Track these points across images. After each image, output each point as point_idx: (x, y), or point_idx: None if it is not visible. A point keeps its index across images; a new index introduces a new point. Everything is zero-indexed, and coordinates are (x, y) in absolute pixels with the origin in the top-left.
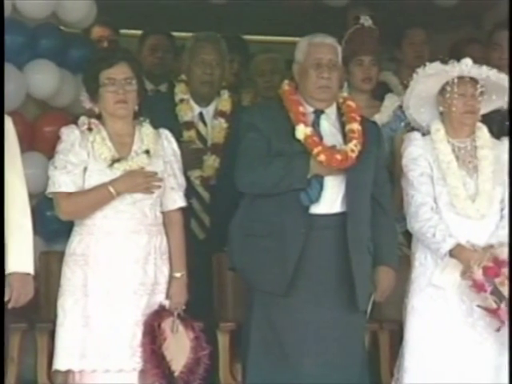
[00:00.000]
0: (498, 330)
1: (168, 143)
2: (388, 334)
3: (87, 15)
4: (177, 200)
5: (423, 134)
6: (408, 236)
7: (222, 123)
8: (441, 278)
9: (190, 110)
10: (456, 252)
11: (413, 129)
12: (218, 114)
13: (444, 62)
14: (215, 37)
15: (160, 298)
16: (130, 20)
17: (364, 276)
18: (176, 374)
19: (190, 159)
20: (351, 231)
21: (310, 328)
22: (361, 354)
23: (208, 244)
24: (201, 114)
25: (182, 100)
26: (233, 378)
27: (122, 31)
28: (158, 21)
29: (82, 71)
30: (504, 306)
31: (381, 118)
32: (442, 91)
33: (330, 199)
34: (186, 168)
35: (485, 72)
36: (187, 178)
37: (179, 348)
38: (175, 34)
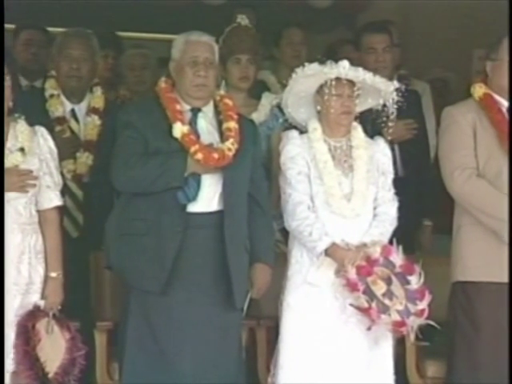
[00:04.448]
0: (369, 328)
1: (44, 141)
2: (265, 330)
3: None
4: (53, 199)
5: (301, 132)
6: (285, 233)
7: (95, 120)
8: (316, 275)
9: (60, 106)
10: (331, 251)
11: (290, 126)
12: (91, 110)
13: (322, 62)
14: (84, 32)
15: (35, 297)
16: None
17: (241, 274)
18: (50, 375)
19: (63, 149)
20: (228, 229)
21: (187, 327)
22: (237, 352)
23: (82, 242)
24: (73, 111)
25: (52, 95)
26: (109, 377)
27: None
28: (32, 15)
29: None
30: (375, 306)
31: (258, 116)
32: (320, 91)
33: (207, 198)
34: (60, 158)
35: (361, 75)
36: (61, 174)
37: (54, 349)
38: (50, 29)
